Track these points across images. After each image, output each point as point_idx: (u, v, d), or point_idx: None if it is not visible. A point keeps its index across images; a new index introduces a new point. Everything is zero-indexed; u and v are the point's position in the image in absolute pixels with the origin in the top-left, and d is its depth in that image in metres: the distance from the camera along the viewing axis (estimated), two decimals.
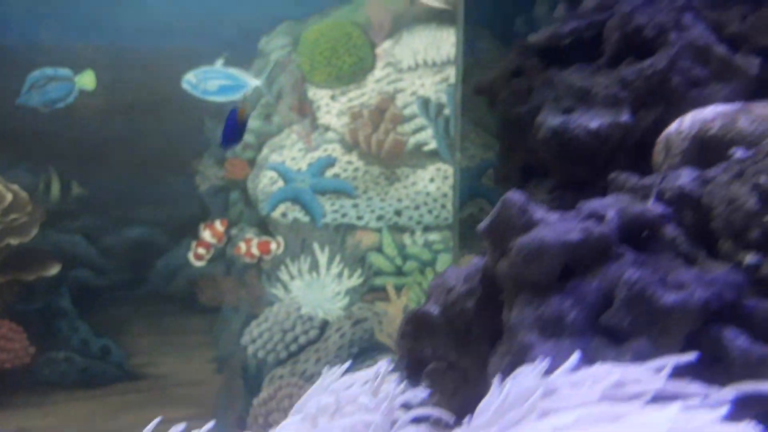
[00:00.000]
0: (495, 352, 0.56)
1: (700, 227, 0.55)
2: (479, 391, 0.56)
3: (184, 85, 2.65)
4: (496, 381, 0.52)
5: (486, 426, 0.49)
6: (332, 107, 2.78)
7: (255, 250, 2.78)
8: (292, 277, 2.80)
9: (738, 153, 0.58)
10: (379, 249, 2.83)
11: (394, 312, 2.82)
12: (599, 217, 0.54)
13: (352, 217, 2.83)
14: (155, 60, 2.66)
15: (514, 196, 0.57)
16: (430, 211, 2.80)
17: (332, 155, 2.81)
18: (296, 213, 2.80)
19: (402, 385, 0.63)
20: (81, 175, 2.66)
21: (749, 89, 0.77)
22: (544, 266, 0.51)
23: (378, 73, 2.78)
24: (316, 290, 2.82)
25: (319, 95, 2.78)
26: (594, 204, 0.56)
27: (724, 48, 0.79)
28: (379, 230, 2.81)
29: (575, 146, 0.80)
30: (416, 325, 0.63)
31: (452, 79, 2.80)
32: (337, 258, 2.82)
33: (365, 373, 0.71)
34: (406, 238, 2.83)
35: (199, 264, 2.76)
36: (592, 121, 0.79)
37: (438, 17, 2.77)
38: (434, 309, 0.61)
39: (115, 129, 2.66)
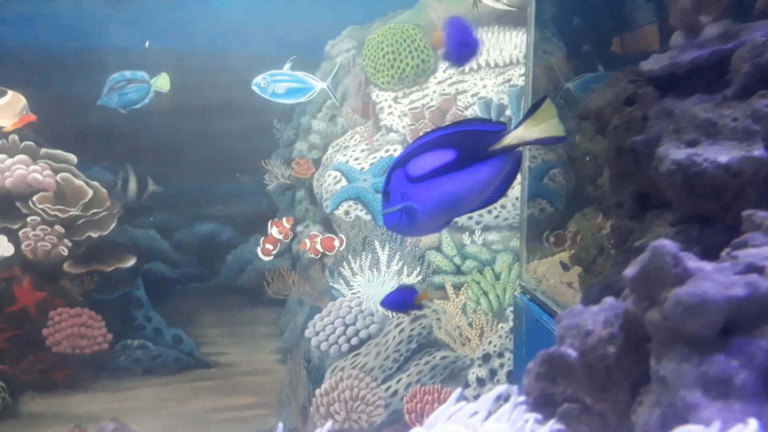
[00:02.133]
0: (641, 402, 0.54)
1: None
2: None
3: (253, 87, 2.67)
4: None
5: None
6: (395, 109, 2.76)
7: (319, 247, 2.80)
8: (353, 273, 2.81)
9: None
10: (438, 248, 2.82)
11: (452, 310, 2.80)
12: (760, 270, 0.51)
13: None
14: (226, 63, 2.68)
15: (667, 245, 0.54)
16: (489, 212, 2.76)
17: (394, 156, 2.79)
18: (358, 211, 2.80)
19: (532, 419, 0.62)
20: (156, 174, 2.72)
21: None
22: (705, 321, 0.48)
23: (440, 75, 2.75)
24: (377, 286, 2.82)
25: (382, 97, 2.77)
26: (751, 255, 0.52)
27: None
28: None
29: (702, 181, 0.75)
30: (551, 367, 0.61)
31: (515, 81, 2.75)
32: (397, 256, 2.81)
33: (487, 402, 0.70)
34: (465, 238, 2.81)
35: (266, 259, 2.80)
36: (721, 155, 0.74)
37: (500, 19, 2.71)
38: (571, 352, 0.59)
39: (187, 129, 2.70)
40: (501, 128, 0.97)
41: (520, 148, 0.99)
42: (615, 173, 1.00)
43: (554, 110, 0.94)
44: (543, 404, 0.62)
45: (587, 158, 2.70)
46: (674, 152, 0.76)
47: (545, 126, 0.91)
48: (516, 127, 0.95)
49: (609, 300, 0.61)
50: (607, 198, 1.07)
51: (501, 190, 1.02)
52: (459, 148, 0.97)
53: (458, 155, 0.97)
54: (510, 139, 0.95)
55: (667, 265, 0.52)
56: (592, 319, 0.60)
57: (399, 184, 0.99)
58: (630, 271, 0.56)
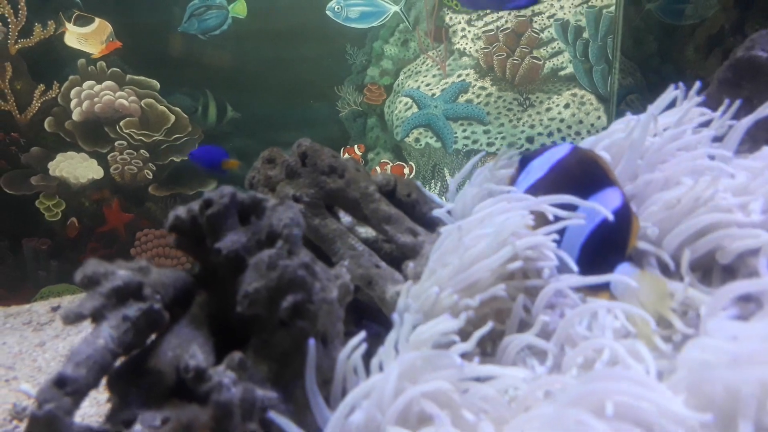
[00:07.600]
0: None
1: None
2: None
3: (328, 12, 2.60)
4: None
5: None
6: (468, 32, 2.64)
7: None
8: None
9: None
10: None
11: None
12: None
13: (483, 144, 2.72)
14: None
15: None
16: (563, 138, 2.63)
17: (466, 81, 2.69)
18: (428, 139, 2.73)
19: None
20: (233, 99, 2.71)
21: None
22: None
23: None
24: None
25: (456, 20, 2.64)
26: None
27: None
28: None
29: None
30: (739, 70, 0.56)
31: (593, 2, 2.57)
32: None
33: None
34: None
35: None
36: None
37: None
38: (762, 53, 0.52)
39: (264, 55, 2.66)
40: None
41: None
42: None
43: None
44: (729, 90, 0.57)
45: None
46: None
47: None
48: None
49: None
50: None
51: None
52: None
53: None
54: None
55: None
56: None
57: None
58: None
